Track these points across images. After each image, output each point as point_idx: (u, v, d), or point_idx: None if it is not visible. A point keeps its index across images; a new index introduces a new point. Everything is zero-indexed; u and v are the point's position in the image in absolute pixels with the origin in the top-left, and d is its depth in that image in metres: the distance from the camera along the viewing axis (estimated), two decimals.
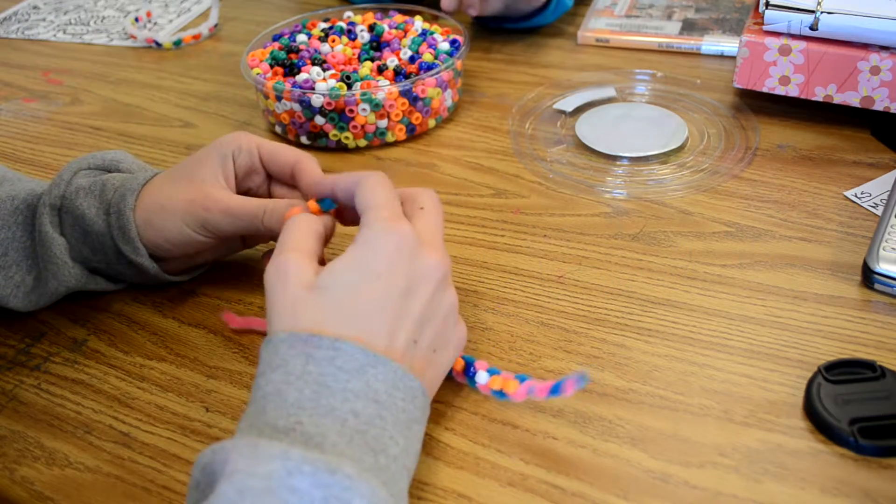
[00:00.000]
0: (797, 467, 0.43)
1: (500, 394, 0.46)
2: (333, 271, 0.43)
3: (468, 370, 0.48)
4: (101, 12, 1.07)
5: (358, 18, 0.82)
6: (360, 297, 0.42)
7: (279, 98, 0.72)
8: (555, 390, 0.44)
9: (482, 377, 0.47)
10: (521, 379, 0.46)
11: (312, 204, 0.49)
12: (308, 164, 0.54)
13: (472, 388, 0.48)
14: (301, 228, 0.46)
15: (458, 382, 0.49)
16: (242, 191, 0.56)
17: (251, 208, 0.52)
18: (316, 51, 0.76)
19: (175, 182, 0.53)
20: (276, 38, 0.80)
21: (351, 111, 0.70)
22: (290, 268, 0.43)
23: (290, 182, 0.55)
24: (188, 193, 0.52)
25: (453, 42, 0.76)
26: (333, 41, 0.77)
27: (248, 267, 0.60)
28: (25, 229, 0.54)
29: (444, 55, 0.75)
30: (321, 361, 0.40)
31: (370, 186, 0.46)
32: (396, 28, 0.79)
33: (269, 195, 0.57)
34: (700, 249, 0.58)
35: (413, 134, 0.74)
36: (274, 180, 0.57)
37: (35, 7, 1.11)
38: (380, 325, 0.42)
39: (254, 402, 0.40)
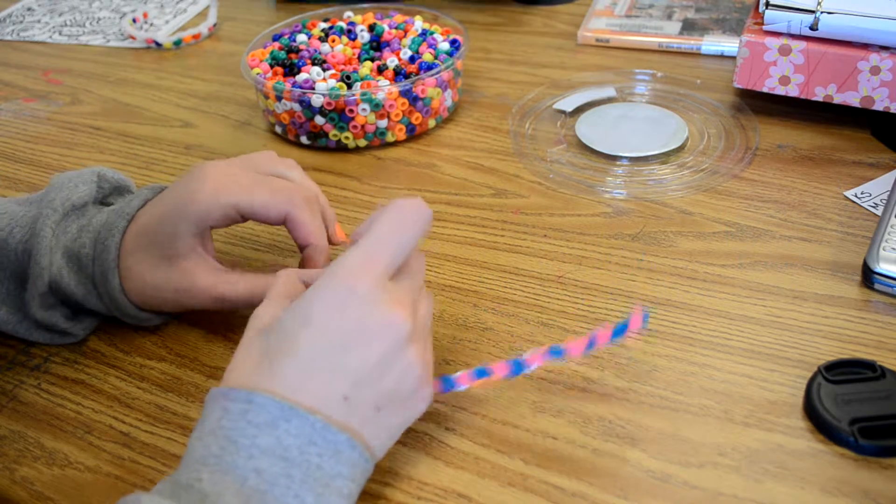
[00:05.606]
0: (797, 467, 0.43)
1: (557, 351, 0.45)
2: (282, 315, 0.41)
3: (447, 385, 0.45)
4: (97, 14, 1.07)
5: (358, 18, 0.82)
6: (290, 345, 0.40)
7: (279, 98, 0.72)
8: (619, 332, 0.45)
9: (466, 379, 0.45)
10: (516, 368, 0.45)
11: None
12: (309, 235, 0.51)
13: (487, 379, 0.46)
14: (282, 277, 0.46)
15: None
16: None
17: (243, 295, 0.51)
18: (316, 51, 0.76)
19: (154, 263, 0.51)
20: (276, 38, 0.80)
21: (351, 111, 0.70)
22: (257, 313, 0.43)
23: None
24: (173, 282, 0.50)
25: (453, 42, 0.76)
26: (333, 41, 0.77)
27: (249, 267, 0.59)
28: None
29: (444, 55, 0.75)
30: (234, 415, 0.39)
31: (381, 221, 0.43)
32: (396, 28, 0.79)
33: None
34: (700, 249, 0.58)
35: (413, 134, 0.74)
36: None
37: (30, 9, 1.10)
38: (298, 375, 0.39)
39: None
